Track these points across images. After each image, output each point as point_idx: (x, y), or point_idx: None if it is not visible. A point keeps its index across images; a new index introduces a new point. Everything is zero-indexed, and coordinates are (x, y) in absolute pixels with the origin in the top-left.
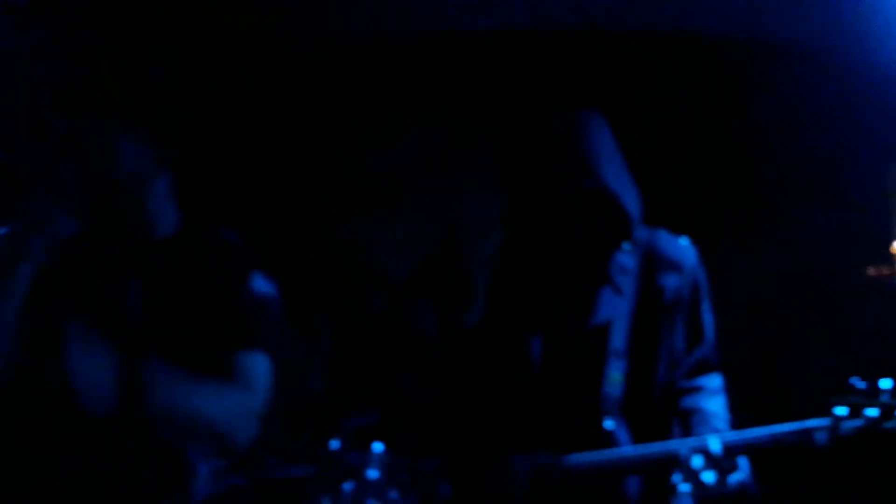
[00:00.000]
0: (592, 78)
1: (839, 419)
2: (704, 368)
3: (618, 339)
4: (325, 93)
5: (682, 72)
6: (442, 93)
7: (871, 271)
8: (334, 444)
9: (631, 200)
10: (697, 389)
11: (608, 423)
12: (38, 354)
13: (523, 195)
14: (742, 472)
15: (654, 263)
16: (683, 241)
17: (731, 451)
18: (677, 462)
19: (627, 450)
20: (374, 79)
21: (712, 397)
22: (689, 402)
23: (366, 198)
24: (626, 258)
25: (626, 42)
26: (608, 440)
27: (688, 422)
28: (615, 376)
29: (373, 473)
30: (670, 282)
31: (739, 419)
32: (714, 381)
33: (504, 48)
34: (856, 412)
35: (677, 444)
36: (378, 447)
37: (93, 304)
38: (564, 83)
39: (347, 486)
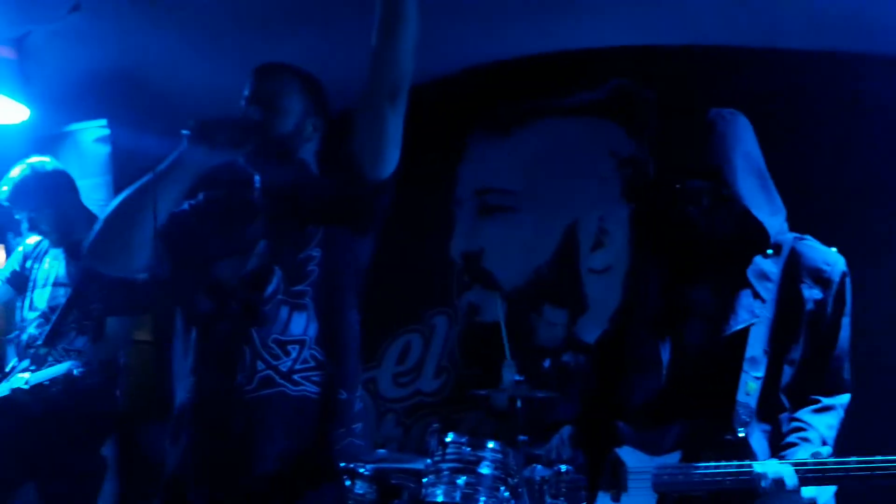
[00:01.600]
0: (734, 90)
1: None
2: (830, 384)
3: (755, 346)
4: (448, 107)
5: (823, 85)
6: (563, 105)
7: None
8: (453, 437)
9: (767, 209)
10: (813, 402)
11: (742, 432)
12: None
13: (654, 199)
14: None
15: (798, 271)
16: (832, 252)
17: (807, 480)
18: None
19: (709, 465)
20: (495, 93)
21: (824, 414)
22: (798, 412)
23: (483, 208)
24: (769, 264)
25: (769, 58)
26: (742, 449)
27: (786, 431)
28: (751, 384)
29: (485, 469)
30: (814, 292)
31: (860, 441)
32: (835, 398)
33: (631, 62)
34: None
35: (758, 466)
36: (491, 444)
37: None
38: (704, 94)
39: (461, 480)
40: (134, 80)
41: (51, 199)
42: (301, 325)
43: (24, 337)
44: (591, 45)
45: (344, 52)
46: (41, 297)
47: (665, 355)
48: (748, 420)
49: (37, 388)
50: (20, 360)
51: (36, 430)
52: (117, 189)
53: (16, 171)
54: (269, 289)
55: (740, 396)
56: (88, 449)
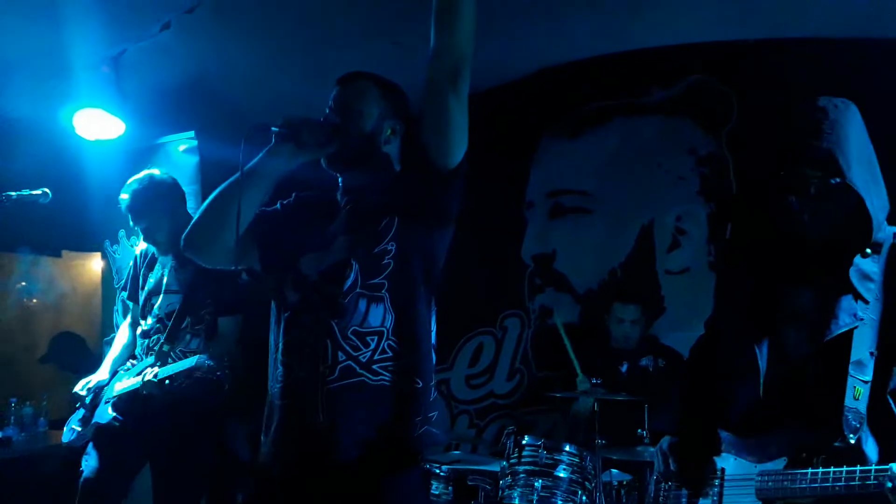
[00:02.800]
0: (819, 82)
1: None
2: None
3: (860, 349)
4: (520, 109)
5: None
6: (638, 103)
7: None
8: (529, 440)
9: (877, 202)
10: None
11: (853, 438)
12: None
13: (753, 193)
14: None
15: None
16: None
17: None
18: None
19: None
20: (568, 94)
21: None
22: None
23: (555, 210)
24: (870, 264)
25: (852, 48)
26: (855, 456)
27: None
28: (859, 389)
29: (562, 472)
30: None
31: None
32: None
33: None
34: None
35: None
36: (567, 447)
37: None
38: (787, 88)
39: (538, 483)
40: (218, 92)
41: (167, 210)
42: (378, 316)
43: (146, 342)
44: (664, 42)
45: (414, 59)
46: (157, 305)
47: (762, 362)
48: (858, 426)
49: (164, 382)
50: (144, 357)
51: (158, 420)
52: (206, 197)
53: (136, 182)
54: (348, 282)
55: (848, 401)
56: (203, 440)
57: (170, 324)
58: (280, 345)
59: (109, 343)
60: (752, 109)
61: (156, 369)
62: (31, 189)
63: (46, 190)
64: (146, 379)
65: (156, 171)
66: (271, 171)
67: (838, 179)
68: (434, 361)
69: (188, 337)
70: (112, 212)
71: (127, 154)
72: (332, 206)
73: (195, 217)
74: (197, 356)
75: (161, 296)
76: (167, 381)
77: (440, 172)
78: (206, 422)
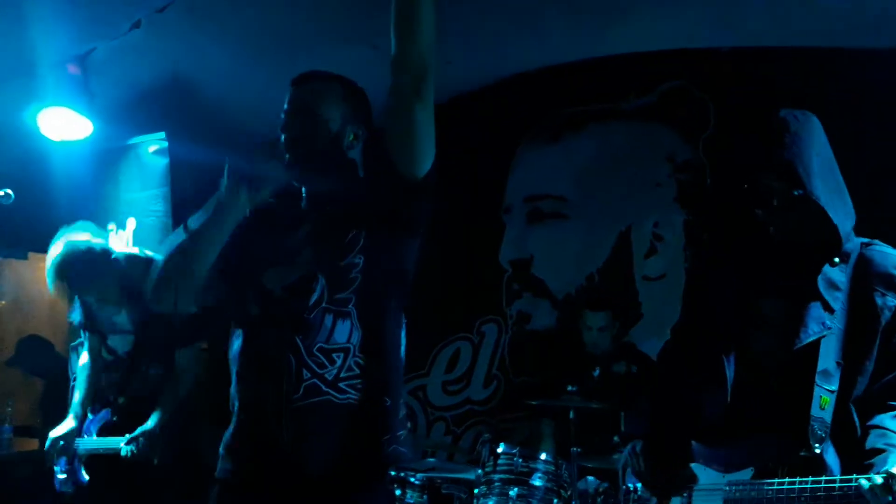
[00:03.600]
0: (793, 91)
1: None
2: None
3: (827, 359)
4: (497, 114)
5: (888, 84)
6: (616, 110)
7: None
8: (504, 448)
9: (842, 212)
10: (892, 408)
11: (818, 448)
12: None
13: (714, 203)
14: None
15: (869, 279)
16: None
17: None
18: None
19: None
20: (544, 99)
21: None
22: (877, 418)
23: (533, 215)
24: (837, 273)
25: (829, 57)
26: (818, 466)
27: (866, 436)
28: (825, 398)
29: (537, 481)
30: (888, 299)
31: None
32: None
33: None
34: None
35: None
36: (543, 455)
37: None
38: (762, 96)
39: (513, 492)
40: (190, 93)
41: (115, 277)
42: (345, 332)
43: (102, 378)
44: (641, 48)
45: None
46: (119, 343)
47: (730, 371)
48: (823, 435)
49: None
50: (95, 407)
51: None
52: (175, 198)
53: (55, 250)
54: (313, 297)
55: (814, 411)
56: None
57: (127, 362)
58: (239, 359)
59: (75, 349)
60: (728, 116)
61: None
62: None
63: (9, 191)
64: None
65: (75, 238)
66: (230, 217)
67: (801, 191)
68: (402, 377)
69: (149, 372)
70: (79, 213)
71: (95, 155)
72: (295, 214)
73: (157, 273)
74: (120, 441)
75: (117, 335)
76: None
77: (407, 182)
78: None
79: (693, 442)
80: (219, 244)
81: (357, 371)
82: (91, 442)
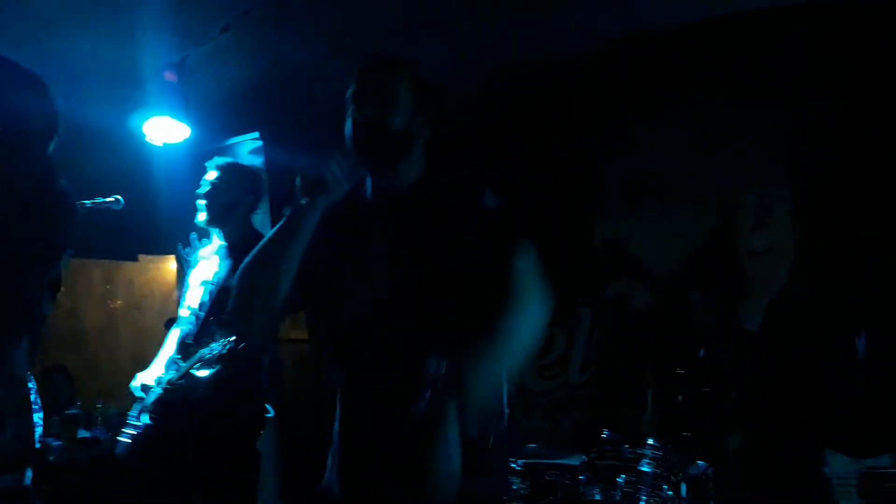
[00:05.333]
0: None
1: None
2: None
3: None
4: (590, 88)
5: None
6: (716, 81)
7: None
8: (607, 435)
9: None
10: None
11: None
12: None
13: (835, 176)
14: None
15: None
16: None
17: None
18: None
19: None
20: (640, 70)
21: None
22: None
23: (630, 194)
24: None
25: None
26: None
27: None
28: None
29: (646, 466)
30: None
31: None
32: None
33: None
34: None
35: None
36: (651, 441)
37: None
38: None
39: (620, 479)
40: (282, 92)
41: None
42: None
43: (180, 336)
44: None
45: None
46: (193, 298)
47: (861, 348)
48: None
49: (186, 378)
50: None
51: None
52: (272, 198)
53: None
54: None
55: None
56: (236, 444)
57: (202, 315)
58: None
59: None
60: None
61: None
62: (104, 196)
63: (119, 197)
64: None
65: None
66: (305, 223)
67: None
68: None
69: (213, 329)
70: (183, 214)
71: (194, 158)
72: (367, 213)
73: (238, 293)
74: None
75: (198, 288)
76: (189, 375)
77: None
78: (238, 427)
79: (821, 425)
80: (298, 252)
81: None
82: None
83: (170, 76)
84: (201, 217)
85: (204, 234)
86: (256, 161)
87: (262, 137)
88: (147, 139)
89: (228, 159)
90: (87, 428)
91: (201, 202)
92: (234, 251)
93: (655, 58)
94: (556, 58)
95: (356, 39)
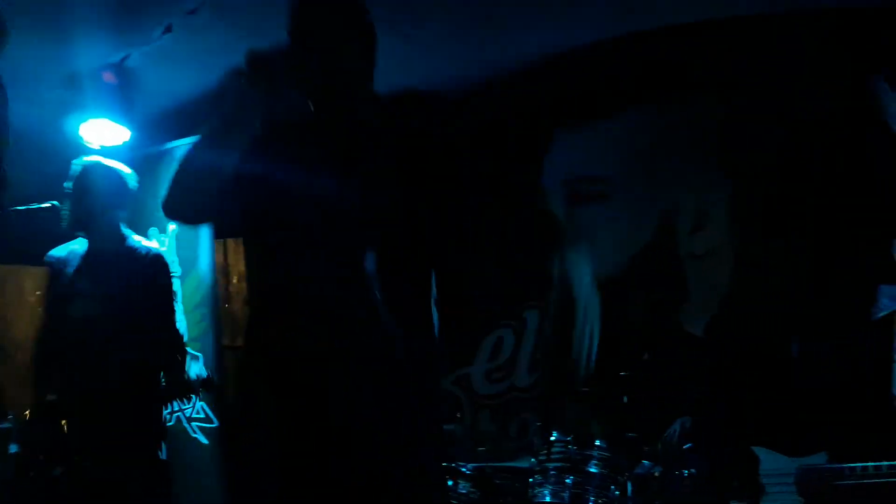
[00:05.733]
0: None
1: None
2: None
3: None
4: (530, 98)
5: None
6: (657, 81)
7: None
8: (555, 436)
9: None
10: None
11: None
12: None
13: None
14: None
15: None
16: None
17: None
18: None
19: None
20: (580, 80)
21: None
22: None
23: (573, 198)
24: None
25: None
26: None
27: None
28: None
29: (594, 468)
30: None
31: None
32: None
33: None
34: None
35: None
36: (598, 442)
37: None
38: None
39: (569, 479)
40: (226, 95)
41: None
42: None
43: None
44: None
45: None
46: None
47: (794, 349)
48: None
49: None
50: None
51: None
52: (215, 199)
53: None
54: None
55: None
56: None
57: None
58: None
59: None
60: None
61: None
62: (39, 202)
63: (55, 203)
64: None
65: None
66: (246, 118)
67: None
68: None
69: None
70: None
71: (134, 161)
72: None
73: (170, 182)
74: None
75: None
76: None
77: None
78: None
79: (753, 423)
80: (231, 153)
81: None
82: None
83: (108, 77)
84: (66, 221)
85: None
86: None
87: (202, 141)
88: (84, 142)
89: (94, 159)
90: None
91: (64, 205)
92: (103, 256)
93: (599, 62)
94: (505, 64)
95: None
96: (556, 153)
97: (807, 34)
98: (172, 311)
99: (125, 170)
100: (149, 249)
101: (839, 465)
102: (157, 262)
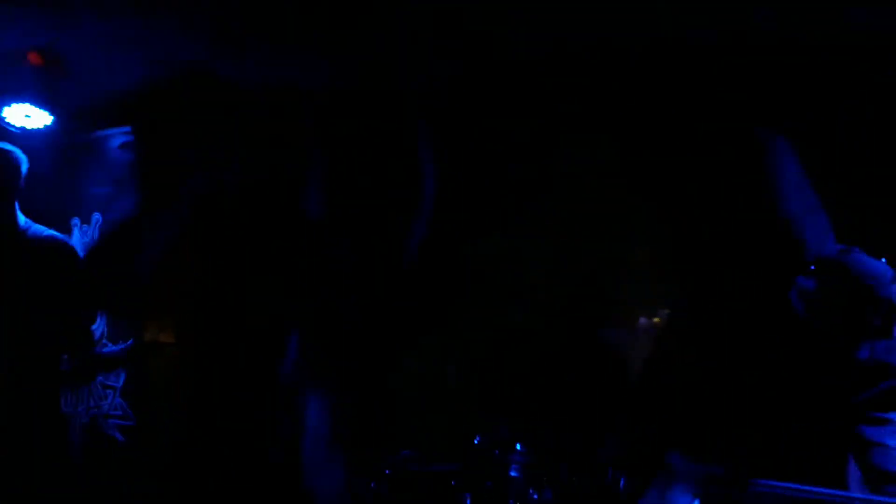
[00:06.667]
0: (774, 94)
1: None
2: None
3: None
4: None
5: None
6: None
7: None
8: (477, 441)
9: (813, 225)
10: (885, 422)
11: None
12: None
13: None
14: None
15: (846, 284)
16: (881, 263)
17: None
18: None
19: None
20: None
21: None
22: (872, 433)
23: (510, 211)
24: (808, 281)
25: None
26: None
27: (867, 456)
28: None
29: (514, 473)
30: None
31: None
32: None
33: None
34: None
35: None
36: (519, 448)
37: None
38: (742, 100)
39: (489, 484)
40: (157, 87)
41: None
42: None
43: None
44: None
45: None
46: None
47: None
48: None
49: None
50: None
51: None
52: (146, 191)
53: None
54: None
55: None
56: None
57: None
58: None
59: None
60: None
61: None
62: None
63: None
64: None
65: None
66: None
67: (769, 209)
68: None
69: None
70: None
71: (59, 147)
72: None
73: None
74: None
75: None
76: None
77: None
78: None
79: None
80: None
81: None
82: None
83: (34, 58)
84: None
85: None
86: (128, 156)
87: (134, 131)
88: (6, 125)
89: None
90: None
91: None
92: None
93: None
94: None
95: (238, 39)
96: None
97: None
98: (81, 298)
99: (14, 150)
100: (53, 235)
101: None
102: (62, 249)
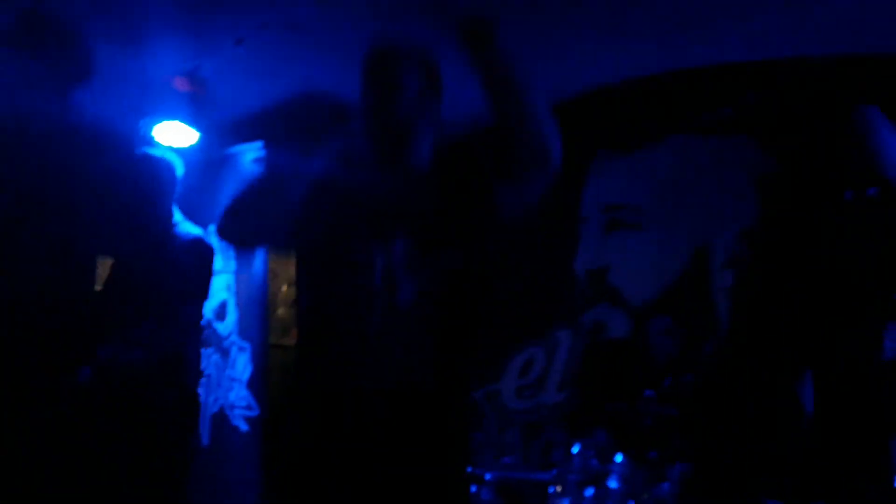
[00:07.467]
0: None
1: None
2: None
3: None
4: (573, 125)
5: None
6: (696, 122)
7: None
8: (576, 449)
9: None
10: None
11: None
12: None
13: (789, 207)
14: None
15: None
16: None
17: None
18: None
19: None
20: (622, 111)
21: None
22: None
23: (610, 224)
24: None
25: None
26: None
27: None
28: None
29: (613, 483)
30: None
31: None
32: None
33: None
34: None
35: None
36: (619, 458)
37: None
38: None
39: (588, 492)
40: (292, 106)
41: None
42: None
43: None
44: (722, 59)
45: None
46: None
47: (807, 394)
48: None
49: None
50: None
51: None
52: (279, 206)
53: None
54: None
55: None
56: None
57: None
58: None
59: None
60: (805, 127)
61: None
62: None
63: None
64: None
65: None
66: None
67: (879, 189)
68: None
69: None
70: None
71: (199, 163)
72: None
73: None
74: None
75: None
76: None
77: None
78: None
79: (764, 472)
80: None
81: None
82: None
83: (181, 84)
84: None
85: None
86: (259, 169)
87: (265, 147)
88: (157, 142)
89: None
90: None
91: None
92: None
93: (640, 91)
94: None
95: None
96: (596, 180)
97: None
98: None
99: (171, 158)
100: (200, 236)
101: None
102: (203, 247)
